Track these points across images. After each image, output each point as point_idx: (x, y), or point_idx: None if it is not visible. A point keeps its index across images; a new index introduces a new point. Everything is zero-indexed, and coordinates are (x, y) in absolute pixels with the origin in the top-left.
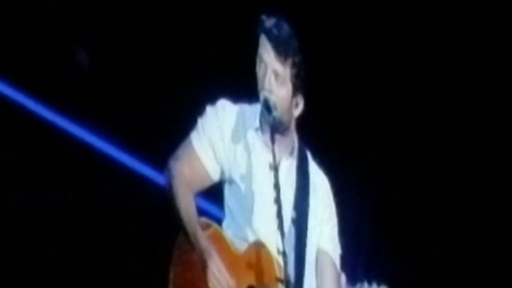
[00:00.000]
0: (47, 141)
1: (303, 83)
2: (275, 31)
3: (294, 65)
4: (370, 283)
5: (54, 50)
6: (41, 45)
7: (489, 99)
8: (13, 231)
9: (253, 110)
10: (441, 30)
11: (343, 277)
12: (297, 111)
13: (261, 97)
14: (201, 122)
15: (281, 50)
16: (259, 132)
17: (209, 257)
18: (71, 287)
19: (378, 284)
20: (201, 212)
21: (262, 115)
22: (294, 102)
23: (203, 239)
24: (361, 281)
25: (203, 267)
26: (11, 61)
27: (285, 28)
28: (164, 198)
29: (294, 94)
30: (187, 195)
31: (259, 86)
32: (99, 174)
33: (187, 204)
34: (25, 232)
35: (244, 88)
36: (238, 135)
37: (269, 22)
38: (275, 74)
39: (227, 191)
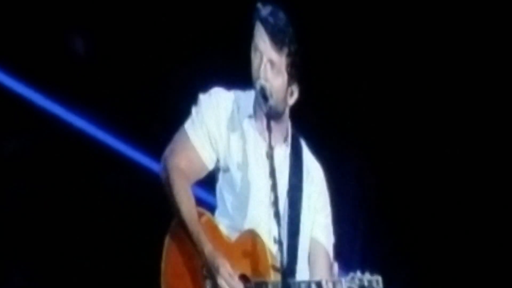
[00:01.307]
0: (46, 131)
1: (298, 72)
2: (271, 20)
3: (289, 54)
4: (363, 272)
5: (51, 39)
6: (38, 34)
7: (482, 90)
8: (12, 222)
9: (247, 97)
10: (436, 18)
11: (336, 266)
12: (292, 100)
13: (257, 86)
14: (195, 111)
15: (277, 39)
16: (253, 120)
17: (219, 265)
18: (71, 276)
19: (371, 274)
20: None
21: (256, 103)
22: (289, 91)
23: (207, 244)
24: (354, 270)
25: (208, 271)
26: (9, 51)
27: (281, 16)
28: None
29: (289, 83)
30: (187, 192)
31: (255, 75)
32: (98, 164)
33: (188, 202)
34: (24, 224)
35: (238, 75)
36: (233, 122)
37: (265, 10)
38: (270, 63)
39: (221, 179)
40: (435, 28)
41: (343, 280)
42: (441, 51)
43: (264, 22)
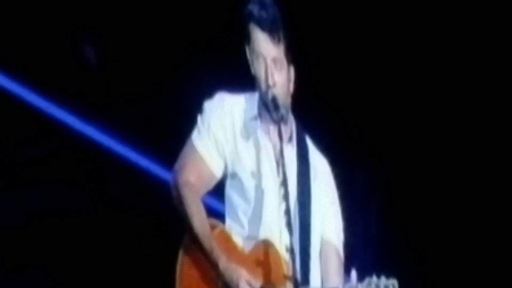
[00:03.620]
0: (54, 138)
1: (292, 52)
2: (264, 15)
3: (285, 38)
4: (378, 276)
5: (61, 47)
6: (48, 42)
7: (492, 89)
8: (18, 229)
9: (251, 100)
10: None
11: (354, 274)
12: (291, 85)
13: (269, 95)
14: (201, 119)
15: (274, 32)
16: (258, 121)
17: (239, 278)
18: (79, 284)
19: (387, 278)
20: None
21: (264, 109)
22: (289, 77)
23: (221, 257)
24: (370, 275)
25: (223, 284)
26: (19, 59)
27: (269, 2)
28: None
29: (288, 68)
30: (197, 206)
31: (262, 84)
32: (106, 171)
33: (199, 217)
34: (30, 231)
35: (241, 80)
36: (239, 127)
37: (255, 7)
38: (274, 61)
39: (228, 185)
40: (444, 28)
41: (359, 286)
42: (446, 50)
43: (259, 21)
